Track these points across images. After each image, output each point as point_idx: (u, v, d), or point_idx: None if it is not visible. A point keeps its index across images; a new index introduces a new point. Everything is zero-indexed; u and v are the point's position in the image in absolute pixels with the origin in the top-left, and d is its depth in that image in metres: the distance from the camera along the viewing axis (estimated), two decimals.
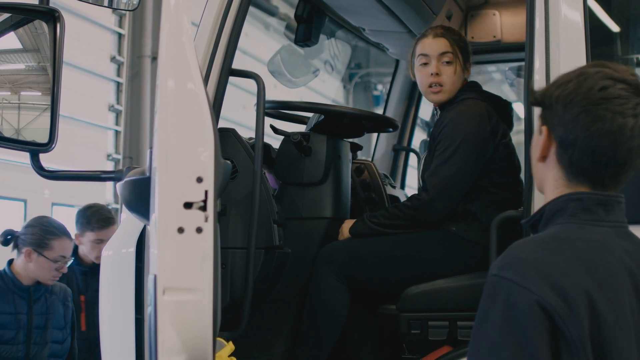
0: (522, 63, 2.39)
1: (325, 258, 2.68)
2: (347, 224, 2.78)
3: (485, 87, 2.98)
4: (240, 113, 8.03)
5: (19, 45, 2.17)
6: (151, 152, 1.72)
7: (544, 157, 1.59)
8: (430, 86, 2.78)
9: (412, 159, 4.28)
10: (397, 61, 4.10)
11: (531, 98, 1.63)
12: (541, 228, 1.60)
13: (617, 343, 1.43)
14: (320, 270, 2.67)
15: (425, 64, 2.80)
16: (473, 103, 2.71)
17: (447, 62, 2.77)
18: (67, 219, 7.22)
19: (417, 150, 4.14)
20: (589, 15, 2.26)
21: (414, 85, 3.96)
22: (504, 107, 2.83)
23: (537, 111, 1.69)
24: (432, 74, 2.76)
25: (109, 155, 7.85)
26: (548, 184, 1.60)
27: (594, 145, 1.50)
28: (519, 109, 5.48)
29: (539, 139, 1.60)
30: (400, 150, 4.17)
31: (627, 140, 1.50)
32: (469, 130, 2.63)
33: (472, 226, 2.62)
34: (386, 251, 2.67)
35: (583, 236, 1.50)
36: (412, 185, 4.54)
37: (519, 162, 2.78)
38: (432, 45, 2.80)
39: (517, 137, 2.88)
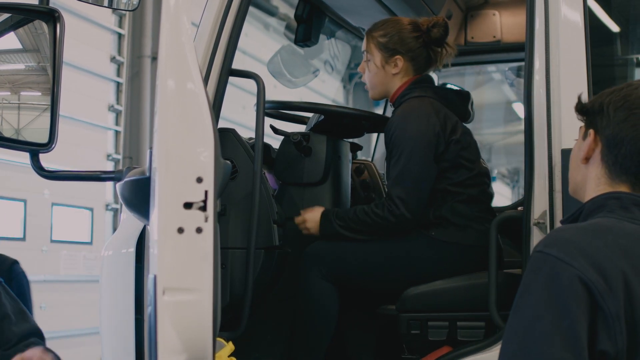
0: (522, 63, 2.39)
1: (310, 258, 2.66)
2: (313, 215, 2.69)
3: (485, 87, 2.97)
4: (240, 113, 8.02)
5: (18, 46, 2.17)
6: (151, 152, 1.72)
7: (587, 159, 1.74)
8: None
9: None
10: None
11: (578, 106, 1.78)
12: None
13: None
14: (306, 271, 2.66)
15: None
16: (417, 101, 2.67)
17: (366, 61, 2.81)
18: (67, 219, 7.23)
19: None
20: (589, 15, 2.26)
21: None
22: (458, 98, 2.79)
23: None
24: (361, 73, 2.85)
25: (108, 155, 7.85)
26: (590, 182, 1.74)
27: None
28: (519, 108, 5.48)
29: (583, 142, 1.75)
30: None
31: None
32: (417, 132, 2.59)
33: (449, 229, 2.60)
34: (372, 254, 2.65)
35: (622, 228, 1.61)
36: None
37: (477, 155, 2.75)
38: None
39: (517, 137, 2.88)
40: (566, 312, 1.46)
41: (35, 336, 3.34)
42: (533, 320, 1.48)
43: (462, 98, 2.81)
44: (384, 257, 2.64)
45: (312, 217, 2.70)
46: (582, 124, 1.79)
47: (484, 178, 2.73)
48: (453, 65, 3.03)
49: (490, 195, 2.76)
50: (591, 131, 1.73)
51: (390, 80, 2.78)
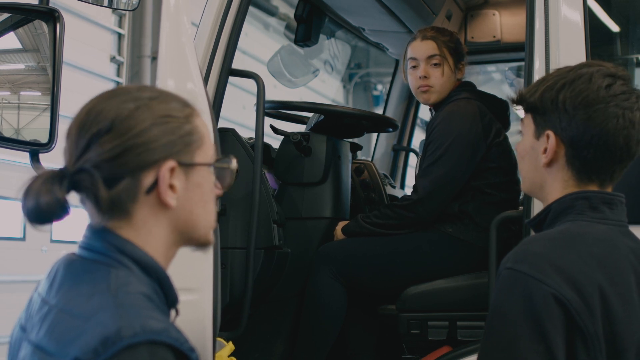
0: (522, 63, 2.39)
1: (322, 258, 2.68)
2: (341, 225, 2.79)
3: (485, 87, 2.98)
4: (240, 113, 8.02)
5: (18, 45, 2.17)
6: None
7: (550, 163, 1.61)
8: (419, 87, 2.81)
9: (412, 159, 4.27)
10: (397, 61, 4.09)
11: (525, 104, 1.65)
12: (547, 226, 1.62)
13: (628, 338, 1.45)
14: (317, 270, 2.67)
15: (415, 67, 2.82)
16: (465, 103, 2.71)
17: (435, 65, 2.78)
18: (67, 218, 7.23)
19: (417, 150, 4.14)
20: (589, 15, 2.26)
21: None
22: (499, 106, 2.82)
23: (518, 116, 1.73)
24: (420, 77, 2.79)
25: None
26: (554, 185, 1.62)
27: (612, 142, 1.55)
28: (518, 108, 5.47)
29: (537, 142, 1.63)
30: (400, 150, 4.17)
31: (636, 134, 1.57)
32: (459, 131, 2.62)
33: (469, 227, 2.62)
34: (383, 252, 2.67)
35: (593, 233, 1.53)
36: (411, 185, 4.53)
37: (515, 161, 2.77)
38: (421, 48, 2.81)
39: (517, 137, 2.88)
40: (542, 334, 1.39)
41: None
42: (509, 345, 1.41)
43: (503, 106, 2.83)
44: (394, 253, 2.65)
45: (341, 225, 2.79)
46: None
47: (516, 187, 2.75)
48: None
49: (518, 204, 2.77)
50: (550, 133, 1.59)
51: (454, 84, 2.81)
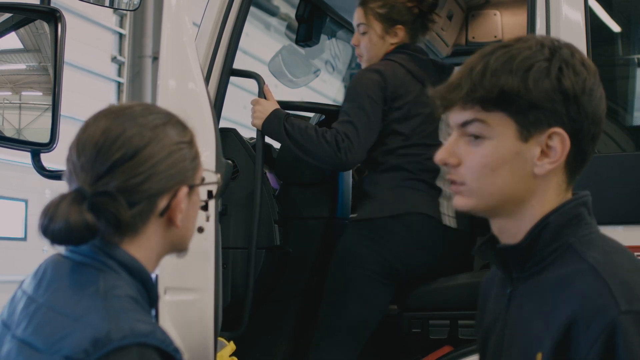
0: None
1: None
2: (267, 106, 2.56)
3: None
4: (241, 113, 8.03)
5: (20, 45, 2.17)
6: None
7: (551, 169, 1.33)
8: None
9: None
10: None
11: (522, 101, 1.29)
12: (546, 243, 1.34)
13: None
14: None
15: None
16: (381, 62, 2.68)
17: (363, 33, 2.76)
18: None
19: None
20: (590, 15, 2.26)
21: None
22: (435, 71, 2.75)
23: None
24: (355, 46, 2.80)
25: None
26: (546, 196, 1.34)
27: (600, 128, 1.34)
28: None
29: (529, 148, 1.31)
30: None
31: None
32: (365, 87, 2.57)
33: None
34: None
35: (616, 241, 1.36)
36: None
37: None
38: (354, 16, 2.81)
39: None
40: None
41: None
42: None
43: (440, 70, 2.78)
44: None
45: (265, 107, 2.57)
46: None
47: (425, 157, 2.66)
48: (455, 65, 3.02)
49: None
50: (559, 130, 1.30)
51: (387, 49, 2.75)
